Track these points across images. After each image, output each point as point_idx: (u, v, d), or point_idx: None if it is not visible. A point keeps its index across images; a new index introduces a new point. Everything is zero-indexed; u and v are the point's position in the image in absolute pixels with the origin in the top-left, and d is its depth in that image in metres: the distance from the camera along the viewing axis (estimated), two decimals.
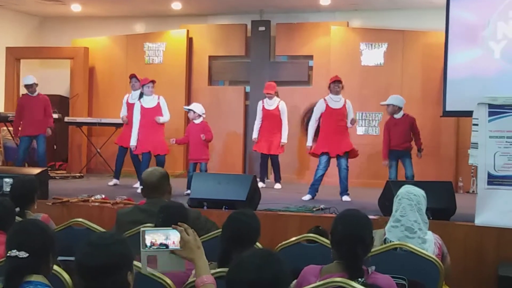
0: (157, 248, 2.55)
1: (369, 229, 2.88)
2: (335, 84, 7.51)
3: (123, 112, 8.66)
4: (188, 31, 10.30)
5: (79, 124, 10.12)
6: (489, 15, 7.25)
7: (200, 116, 7.92)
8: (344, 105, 7.51)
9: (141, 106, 7.96)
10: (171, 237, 2.56)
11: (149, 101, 8.00)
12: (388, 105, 7.40)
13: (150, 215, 3.93)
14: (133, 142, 7.96)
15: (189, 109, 8.02)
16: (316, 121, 7.59)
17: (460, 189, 8.60)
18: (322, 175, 7.48)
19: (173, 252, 2.54)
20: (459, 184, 8.68)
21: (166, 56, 10.32)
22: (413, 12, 9.47)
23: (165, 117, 7.98)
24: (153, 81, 8.02)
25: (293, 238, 3.91)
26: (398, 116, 7.38)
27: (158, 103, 8.01)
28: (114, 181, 8.51)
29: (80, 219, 4.25)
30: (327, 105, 7.55)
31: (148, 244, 2.54)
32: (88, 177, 9.57)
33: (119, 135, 8.83)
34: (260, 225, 3.28)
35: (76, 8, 10.32)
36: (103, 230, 3.99)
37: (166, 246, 2.55)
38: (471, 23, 7.43)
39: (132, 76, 8.51)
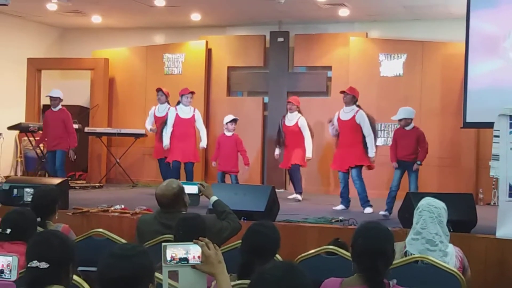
0: (177, 263, 2.56)
1: (391, 242, 2.86)
2: (344, 95, 7.55)
3: (149, 123, 8.74)
4: (207, 42, 10.36)
5: (99, 135, 10.21)
6: (510, 26, 7.20)
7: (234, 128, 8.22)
8: (354, 117, 7.46)
9: (177, 114, 8.06)
10: (192, 251, 2.57)
11: (186, 112, 8.14)
12: (400, 120, 7.24)
13: (168, 228, 3.95)
14: (166, 142, 8.12)
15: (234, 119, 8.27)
16: (334, 134, 7.70)
17: (480, 201, 8.51)
18: (345, 187, 7.54)
19: (194, 267, 2.55)
20: (480, 196, 8.59)
21: (185, 67, 10.39)
22: (432, 23, 9.44)
23: (203, 138, 8.29)
24: (192, 92, 8.20)
25: (313, 250, 3.90)
26: (408, 128, 7.24)
27: (194, 115, 8.13)
28: None
29: (100, 230, 4.28)
30: (338, 117, 7.61)
31: (169, 258, 2.55)
32: (108, 187, 9.64)
33: (154, 150, 8.83)
34: (280, 236, 3.28)
35: (96, 19, 10.44)
36: (123, 240, 4.03)
37: (187, 260, 2.56)
38: (491, 34, 7.38)
39: (159, 90, 8.64)
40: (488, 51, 7.38)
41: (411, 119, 7.24)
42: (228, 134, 8.26)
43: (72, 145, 8.59)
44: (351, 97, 7.54)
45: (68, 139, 8.57)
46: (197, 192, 4.67)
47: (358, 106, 7.57)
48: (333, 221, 6.25)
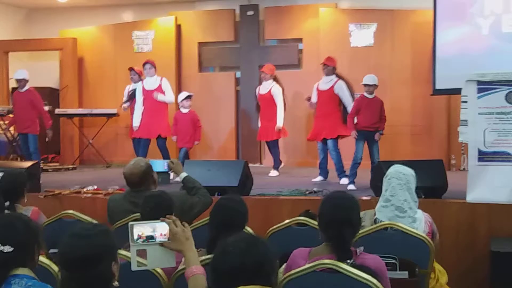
0: (144, 241, 2.57)
1: (356, 211, 2.88)
2: (323, 66, 7.52)
3: (126, 103, 8.64)
4: (176, 18, 10.23)
5: (70, 116, 10.09)
6: None
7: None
8: (332, 87, 7.45)
9: (143, 87, 7.99)
10: (158, 229, 2.60)
11: (151, 83, 8.01)
12: (372, 85, 7.06)
13: (138, 206, 3.93)
14: (135, 123, 8.02)
15: (189, 96, 8.09)
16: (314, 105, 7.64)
17: (453, 167, 8.61)
18: (324, 157, 7.53)
19: (162, 244, 2.56)
20: (452, 162, 8.70)
21: (155, 44, 10.26)
22: None
23: (167, 97, 7.96)
24: (148, 62, 8.00)
25: (283, 222, 3.92)
26: (371, 96, 7.11)
27: (160, 84, 8.01)
28: None
29: (70, 211, 4.25)
30: (317, 87, 7.58)
31: (136, 237, 2.56)
32: (81, 169, 9.55)
33: (130, 129, 8.74)
34: (248, 209, 3.28)
35: None
36: (95, 221, 4.00)
37: (154, 238, 2.57)
38: (458, 0, 7.40)
39: (131, 69, 8.52)
40: (456, 17, 7.43)
41: (374, 86, 7.12)
42: (184, 111, 8.12)
43: (47, 125, 8.39)
44: (331, 68, 7.51)
45: (37, 120, 8.41)
46: (166, 170, 4.64)
47: (337, 76, 7.54)
48: (307, 192, 6.28)
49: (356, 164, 6.95)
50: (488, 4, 7.15)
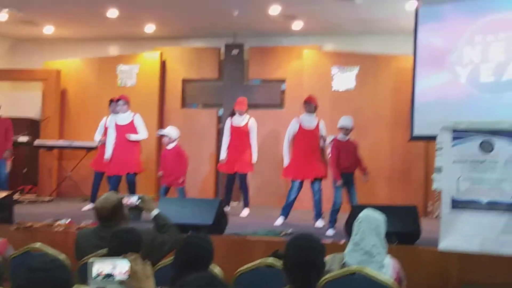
0: (104, 279, 2.54)
1: (321, 254, 2.88)
2: (307, 104, 7.54)
3: (98, 134, 8.58)
4: (161, 53, 10.32)
5: (50, 147, 10.04)
6: (456, 40, 7.36)
7: (174, 140, 7.92)
8: (317, 126, 7.49)
9: (115, 123, 7.95)
10: (119, 266, 2.56)
11: (122, 119, 7.99)
12: (348, 128, 7.11)
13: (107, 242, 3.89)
14: (107, 155, 7.97)
15: (163, 134, 7.98)
16: (289, 140, 7.60)
17: (429, 214, 8.62)
18: (295, 199, 7.45)
19: (121, 283, 2.53)
20: (429, 209, 8.71)
21: (140, 79, 10.31)
22: (384, 36, 9.56)
23: (139, 135, 7.92)
24: (121, 98, 8.03)
25: (252, 263, 3.89)
26: (345, 139, 7.13)
27: (132, 120, 7.99)
28: (90, 205, 8.16)
29: (38, 244, 4.19)
30: (300, 125, 7.57)
31: (95, 274, 2.53)
32: (58, 201, 9.46)
33: (94, 159, 8.73)
34: (212, 249, 3.24)
35: (48, 30, 10.29)
36: (62, 255, 3.94)
37: (113, 276, 2.54)
38: (438, 48, 7.54)
39: (112, 101, 8.50)
40: (435, 64, 7.54)
41: (351, 129, 7.16)
42: (169, 147, 8.07)
43: (8, 147, 8.60)
44: (314, 106, 7.57)
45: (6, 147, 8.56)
46: (138, 205, 4.59)
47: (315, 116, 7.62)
48: (281, 234, 6.24)
49: (335, 210, 6.90)
50: (467, 53, 7.28)
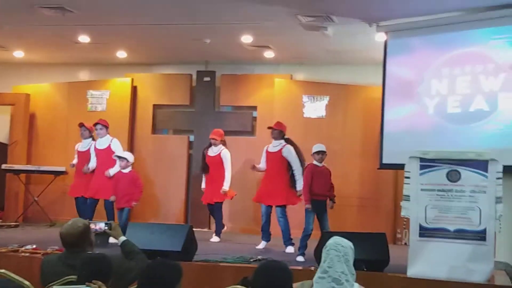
0: None
1: (289, 281, 2.89)
2: (272, 130, 7.70)
3: (75, 160, 8.57)
4: (132, 79, 10.31)
5: (17, 172, 9.89)
6: (424, 72, 7.50)
7: (130, 164, 7.93)
8: (281, 150, 7.56)
9: (95, 147, 8.13)
10: None
11: (102, 143, 8.13)
12: (323, 152, 7.21)
13: (73, 268, 3.83)
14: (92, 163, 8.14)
15: (121, 157, 7.94)
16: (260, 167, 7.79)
17: (398, 241, 8.70)
18: (267, 221, 7.53)
19: None
20: (398, 236, 8.79)
21: (110, 104, 10.27)
22: (354, 67, 9.69)
23: (115, 167, 7.94)
24: (98, 123, 8.15)
25: None
26: (321, 164, 7.21)
27: (110, 145, 8.06)
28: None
29: (2, 270, 4.10)
30: (267, 150, 7.74)
31: None
32: (24, 226, 9.28)
33: (71, 187, 8.59)
34: (178, 275, 3.20)
35: (18, 54, 10.21)
36: (26, 282, 3.87)
37: None
38: (407, 79, 7.67)
39: (81, 125, 8.47)
40: (404, 95, 7.66)
41: (325, 154, 7.23)
42: (125, 171, 8.02)
43: None
44: (278, 132, 7.67)
45: None
46: (106, 231, 4.55)
47: (286, 140, 7.69)
48: (251, 260, 6.23)
49: (306, 236, 6.91)
50: (434, 85, 7.41)
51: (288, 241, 7.34)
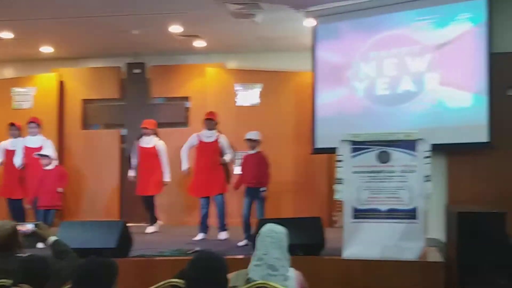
0: None
1: (223, 271, 2.86)
2: (207, 121, 7.60)
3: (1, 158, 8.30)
4: (59, 74, 10.03)
5: None
6: (352, 56, 7.63)
7: (53, 160, 7.72)
8: (216, 140, 7.53)
9: (24, 146, 7.91)
10: None
11: (34, 142, 7.92)
12: (254, 140, 7.27)
13: (2, 272, 3.69)
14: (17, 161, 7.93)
15: (42, 155, 7.72)
16: (188, 149, 7.76)
17: (334, 223, 8.82)
18: (205, 214, 7.51)
19: None
20: (334, 219, 8.91)
21: (37, 101, 9.95)
22: (285, 53, 9.68)
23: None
24: (33, 121, 7.94)
25: (157, 285, 3.80)
26: (254, 151, 7.28)
27: (42, 146, 7.88)
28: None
29: None
30: (199, 140, 7.64)
31: None
32: None
33: (1, 187, 8.30)
34: (114, 272, 3.13)
35: None
36: None
37: None
38: (336, 63, 7.77)
39: (12, 124, 8.22)
40: (334, 80, 7.76)
41: (257, 142, 7.29)
42: (48, 168, 7.76)
43: None
44: (214, 123, 7.65)
45: None
46: (34, 232, 4.41)
47: (218, 131, 7.70)
48: (188, 252, 6.17)
49: (244, 222, 7.05)
50: (363, 68, 7.54)
51: (222, 227, 7.40)
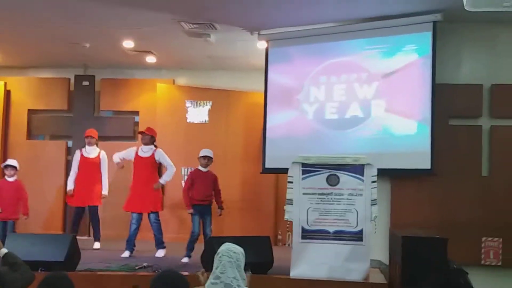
0: None
1: None
2: (142, 135, 7.71)
3: None
4: (5, 83, 9.85)
5: None
6: (303, 79, 7.81)
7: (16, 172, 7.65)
8: (153, 154, 7.59)
9: None
10: None
11: None
12: (204, 156, 7.37)
13: None
14: None
15: (9, 165, 7.61)
16: (119, 157, 7.78)
17: (279, 242, 8.97)
18: (136, 229, 7.49)
19: None
20: (278, 237, 9.07)
21: None
22: (235, 73, 9.87)
23: None
24: None
25: None
26: (205, 169, 7.40)
27: None
28: None
29: None
30: (136, 153, 7.67)
31: None
32: None
33: None
34: (73, 286, 3.18)
35: None
36: None
37: None
38: (287, 86, 7.94)
39: None
40: (284, 102, 7.92)
41: (211, 159, 7.41)
42: (10, 179, 7.75)
43: None
44: (149, 137, 7.67)
45: None
46: None
47: (155, 146, 7.73)
48: (137, 268, 6.18)
49: (192, 239, 7.10)
50: (313, 92, 7.74)
51: (160, 244, 7.43)
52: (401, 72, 7.20)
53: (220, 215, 7.36)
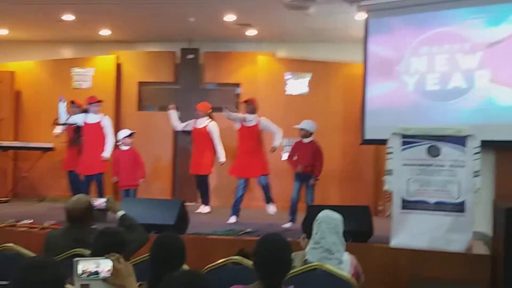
0: (89, 276, 2.72)
1: (288, 251, 3.11)
2: (246, 104, 8.01)
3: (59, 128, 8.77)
4: (117, 57, 10.41)
5: (5, 149, 9.99)
6: (403, 50, 7.73)
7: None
8: (257, 124, 7.85)
9: (85, 122, 8.22)
10: (102, 265, 2.74)
11: (93, 118, 8.27)
12: (301, 129, 7.68)
13: (78, 242, 4.05)
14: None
15: (128, 135, 8.21)
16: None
17: (379, 213, 9.02)
18: (242, 195, 7.83)
19: (105, 280, 2.72)
20: (379, 208, 9.11)
21: (95, 81, 10.37)
22: (335, 45, 9.85)
23: (107, 147, 8.14)
24: (99, 101, 8.30)
25: (219, 261, 4.11)
26: (306, 140, 7.68)
27: (100, 121, 8.27)
28: None
29: (10, 244, 4.30)
30: (242, 124, 7.95)
31: (80, 272, 2.71)
32: (14, 202, 9.44)
33: (64, 161, 8.77)
34: (185, 247, 3.45)
35: (3, 32, 10.21)
36: (33, 255, 4.07)
37: (98, 274, 2.73)
38: (387, 57, 7.89)
39: (72, 102, 8.66)
40: (384, 73, 7.89)
41: (311, 133, 7.63)
42: (125, 148, 8.27)
43: None
44: (253, 107, 7.95)
45: None
46: (103, 208, 4.78)
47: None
48: (240, 233, 6.50)
49: (292, 205, 7.46)
50: (413, 63, 7.66)
51: (269, 200, 7.82)
52: (508, 42, 6.97)
53: (313, 185, 7.54)
